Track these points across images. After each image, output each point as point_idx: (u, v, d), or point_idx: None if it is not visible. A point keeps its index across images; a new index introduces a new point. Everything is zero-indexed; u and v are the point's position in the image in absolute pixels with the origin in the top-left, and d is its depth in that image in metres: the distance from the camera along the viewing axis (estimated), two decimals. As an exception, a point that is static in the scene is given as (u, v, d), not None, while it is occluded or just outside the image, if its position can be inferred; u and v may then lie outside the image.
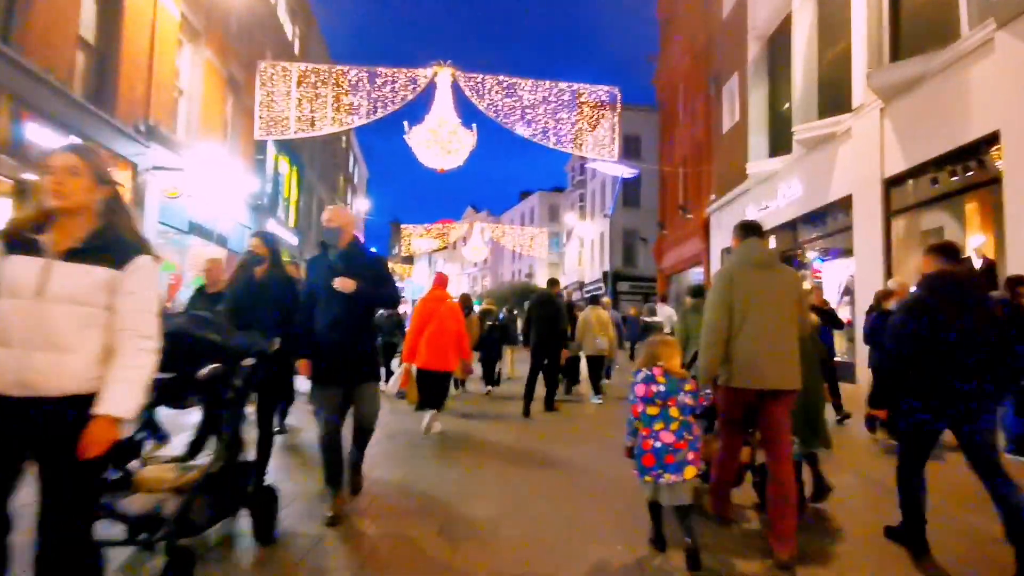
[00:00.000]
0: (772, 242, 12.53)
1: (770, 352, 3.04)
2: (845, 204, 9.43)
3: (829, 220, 10.17)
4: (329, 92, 14.88)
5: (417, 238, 38.57)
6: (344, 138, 35.30)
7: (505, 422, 6.88)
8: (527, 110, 15.53)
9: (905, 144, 8.20)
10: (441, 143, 15.03)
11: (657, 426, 2.97)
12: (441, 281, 6.48)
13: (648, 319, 12.21)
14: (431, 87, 15.18)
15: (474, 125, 15.30)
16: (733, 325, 3.09)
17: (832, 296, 9.67)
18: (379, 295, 3.58)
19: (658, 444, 2.94)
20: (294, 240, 22.04)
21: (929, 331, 2.94)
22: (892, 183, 8.47)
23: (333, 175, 31.66)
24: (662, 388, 2.99)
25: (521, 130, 15.49)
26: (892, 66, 8.32)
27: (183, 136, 12.98)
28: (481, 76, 15.49)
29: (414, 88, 15.12)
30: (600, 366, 8.69)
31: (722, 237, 15.80)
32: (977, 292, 3.06)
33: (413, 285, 65.01)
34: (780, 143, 12.12)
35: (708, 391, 3.14)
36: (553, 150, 15.48)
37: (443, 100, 15.25)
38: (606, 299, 10.83)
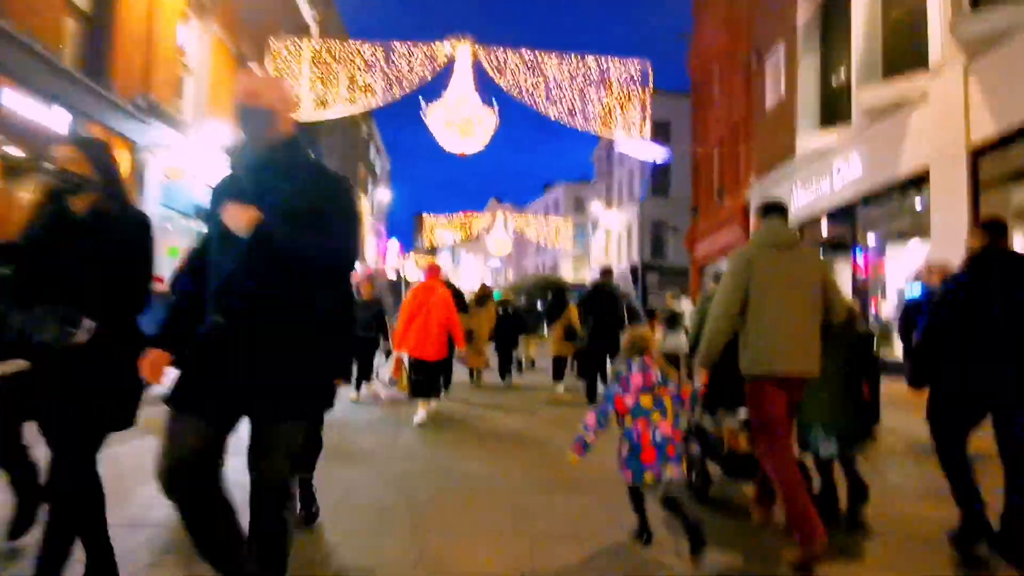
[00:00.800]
0: (824, 226, 11.35)
1: (790, 335, 2.87)
2: (919, 179, 8.25)
3: (897, 199, 8.97)
4: (343, 71, 14.08)
5: (439, 228, 37.87)
6: (364, 127, 34.71)
7: (520, 414, 6.69)
8: (552, 88, 14.52)
9: (995, 106, 7.00)
10: (462, 125, 14.16)
11: (655, 416, 2.82)
12: (433, 271, 6.48)
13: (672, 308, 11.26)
14: (450, 64, 14.29)
15: (494, 103, 14.41)
16: (750, 309, 2.90)
17: (899, 287, 8.47)
18: (304, 246, 1.84)
19: (659, 436, 2.79)
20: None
21: (967, 306, 2.86)
22: (980, 153, 7.28)
23: (353, 164, 31.09)
24: (659, 376, 2.90)
25: (547, 109, 14.50)
26: (978, 14, 7.12)
27: (190, 115, 12.33)
28: (503, 50, 14.52)
29: (432, 66, 14.23)
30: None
31: (764, 223, 14.60)
32: None
33: (436, 278, 64.39)
34: (834, 116, 10.90)
35: (699, 384, 3.11)
36: (578, 138, 14.79)
37: (463, 78, 14.35)
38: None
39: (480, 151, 14.51)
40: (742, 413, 3.30)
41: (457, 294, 8.29)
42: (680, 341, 8.40)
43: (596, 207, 39.56)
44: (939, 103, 7.88)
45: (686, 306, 11.83)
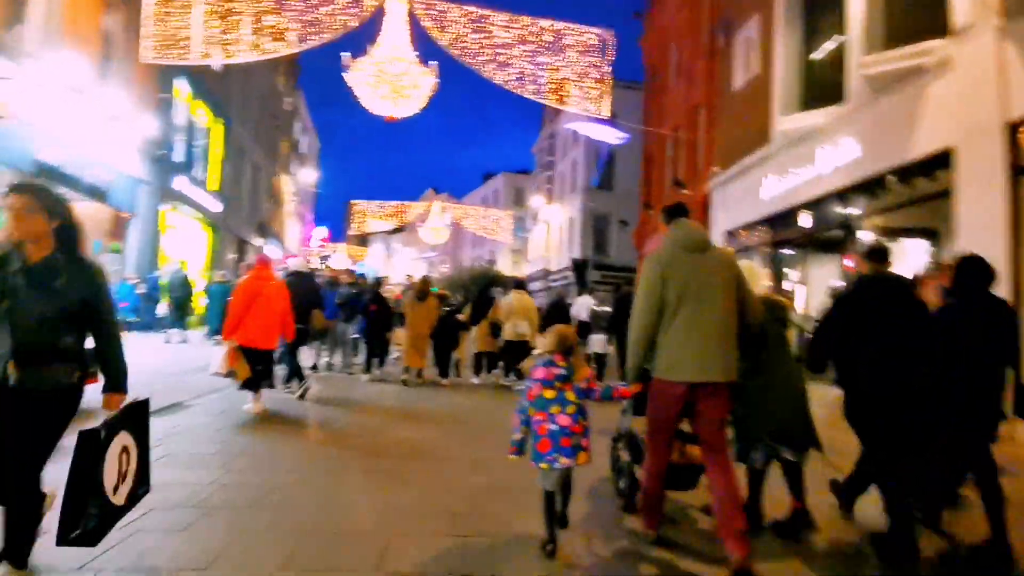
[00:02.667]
0: (808, 220, 10.06)
1: (702, 341, 2.83)
2: (937, 162, 6.96)
3: (904, 187, 7.68)
4: (247, 8, 11.52)
5: (371, 217, 35.05)
6: (290, 99, 31.39)
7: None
8: (500, 50, 12.59)
9: (1039, 74, 5.74)
10: (393, 83, 11.95)
11: (554, 409, 2.86)
12: (264, 262, 6.53)
13: (599, 308, 10.69)
14: (379, 12, 12.05)
15: (433, 65, 12.31)
16: (666, 315, 2.87)
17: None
18: None
19: (554, 427, 2.83)
20: (215, 206, 18.45)
21: (854, 325, 3.08)
22: (1019, 127, 6.01)
23: (273, 138, 27.84)
24: (562, 371, 2.91)
25: (492, 74, 12.56)
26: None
27: (30, 42, 9.45)
28: (445, 5, 12.44)
29: (358, 12, 11.95)
30: (522, 351, 8.52)
31: (728, 216, 13.33)
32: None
33: (367, 269, 61.31)
34: (820, 95, 9.61)
35: (622, 384, 3.14)
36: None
37: (395, 30, 12.15)
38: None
39: (412, 115, 12.35)
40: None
41: (424, 286, 8.90)
42: (601, 340, 9.35)
43: (536, 201, 38.03)
44: (967, 71, 6.59)
45: (582, 302, 11.65)
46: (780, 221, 11.04)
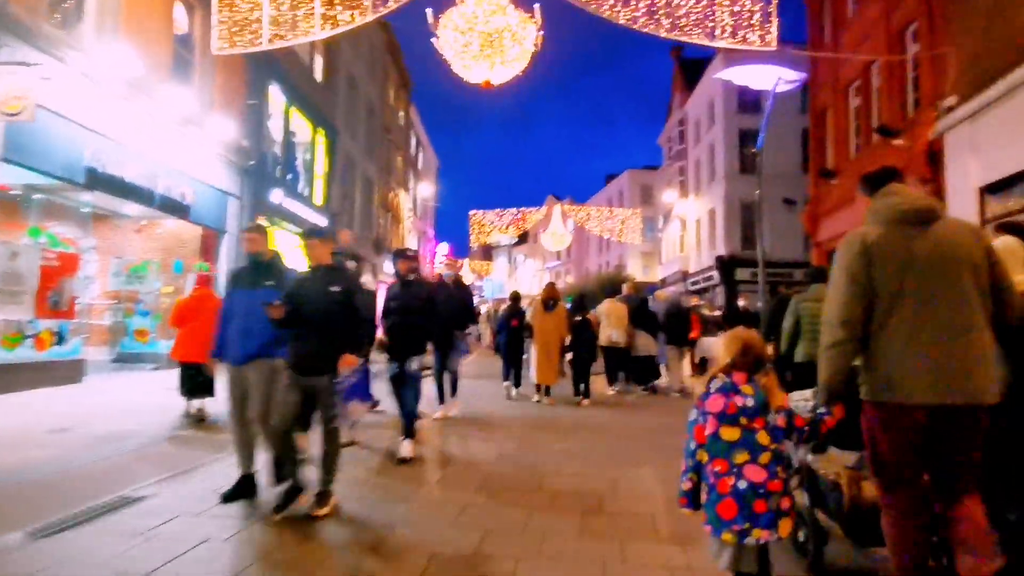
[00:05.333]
0: None
1: (938, 346, 2.03)
2: None
3: None
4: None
5: (491, 228, 33.41)
6: (402, 113, 30.87)
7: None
8: (622, -19, 9.61)
9: None
10: (485, 40, 9.51)
11: (739, 456, 2.06)
12: (204, 280, 6.73)
13: (709, 313, 10.53)
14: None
15: (536, 8, 9.68)
16: (877, 312, 2.11)
17: None
18: None
19: (742, 484, 2.03)
20: (321, 222, 17.39)
21: None
22: None
23: (387, 153, 27.15)
24: (749, 401, 2.10)
25: (614, 13, 9.62)
26: None
27: (81, 35, 8.32)
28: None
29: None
30: (616, 357, 8.90)
31: (976, 169, 9.02)
32: None
33: (492, 283, 60.63)
34: None
35: (821, 410, 2.21)
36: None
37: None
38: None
39: (514, 79, 9.79)
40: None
41: (551, 294, 8.42)
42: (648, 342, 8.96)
43: (668, 195, 33.94)
44: None
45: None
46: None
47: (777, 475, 2.06)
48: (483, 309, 16.05)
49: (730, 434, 2.09)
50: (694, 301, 13.92)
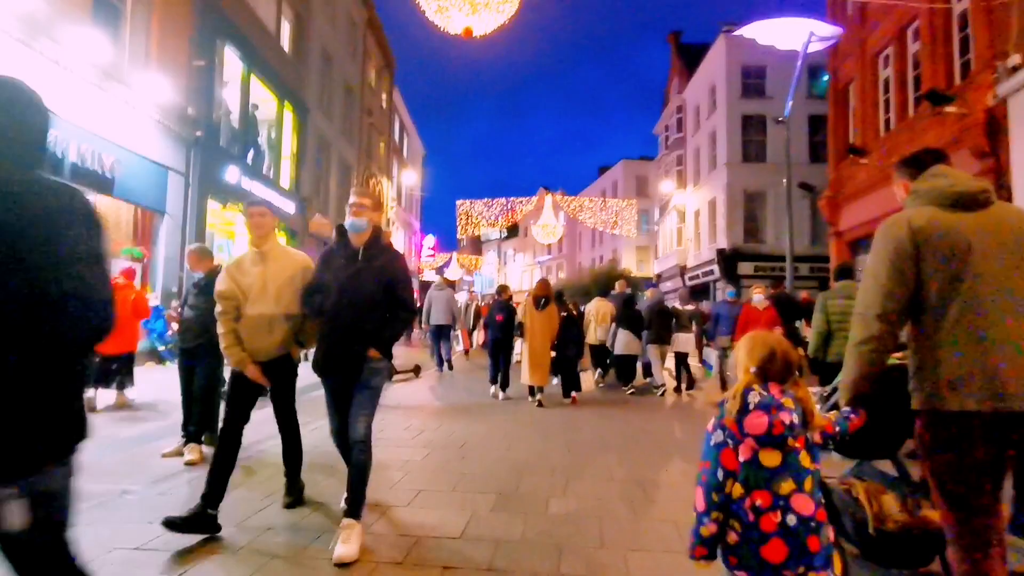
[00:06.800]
0: None
1: (996, 345, 1.76)
2: None
3: None
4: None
5: (478, 218, 31.77)
6: (385, 96, 29.08)
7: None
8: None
9: None
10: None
11: (784, 486, 1.67)
12: (128, 274, 6.81)
13: (683, 307, 9.76)
14: None
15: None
16: (927, 304, 1.86)
17: None
18: None
19: (792, 519, 1.64)
20: (287, 207, 15.69)
21: None
22: None
23: (368, 137, 25.38)
24: (795, 418, 1.73)
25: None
26: None
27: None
28: None
29: None
30: (603, 353, 9.43)
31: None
32: None
33: (483, 278, 58.97)
34: None
35: (848, 412, 1.96)
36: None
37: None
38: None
39: (497, 30, 8.20)
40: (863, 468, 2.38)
41: (543, 291, 7.81)
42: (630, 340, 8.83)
43: (665, 186, 32.48)
44: None
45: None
46: None
47: (821, 503, 1.71)
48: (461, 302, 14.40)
49: (771, 459, 1.71)
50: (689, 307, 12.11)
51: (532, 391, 7.69)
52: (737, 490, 1.72)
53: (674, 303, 10.45)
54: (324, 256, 3.12)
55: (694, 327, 9.39)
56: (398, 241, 34.39)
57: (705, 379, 7.43)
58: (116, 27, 9.19)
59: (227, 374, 5.36)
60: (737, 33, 9.00)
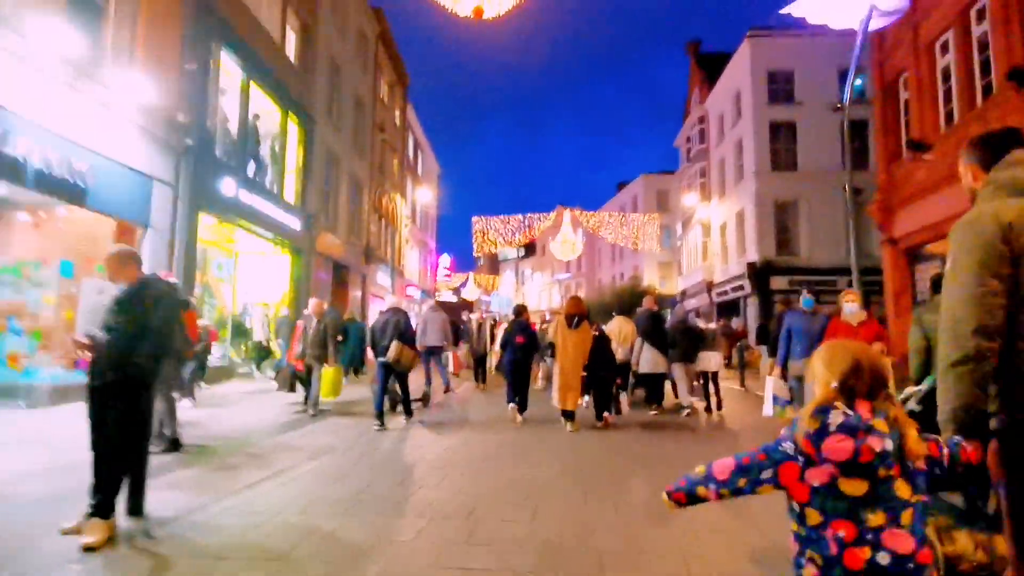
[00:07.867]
0: None
1: None
2: None
3: None
4: None
5: (495, 236, 30.82)
6: (398, 112, 28.48)
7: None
8: None
9: None
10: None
11: (873, 518, 1.43)
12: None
13: (705, 325, 9.38)
14: None
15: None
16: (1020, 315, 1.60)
17: None
18: None
19: (883, 557, 1.40)
20: (292, 223, 14.80)
21: None
22: None
23: (381, 154, 24.65)
24: (888, 443, 1.44)
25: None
26: None
27: None
28: None
29: None
30: (626, 373, 8.84)
31: None
32: None
33: (500, 298, 57.92)
34: None
35: (957, 439, 1.60)
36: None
37: None
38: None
39: (508, 12, 7.21)
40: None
41: (574, 308, 7.51)
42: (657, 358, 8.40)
43: (689, 199, 31.22)
44: None
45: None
46: None
47: (925, 539, 1.44)
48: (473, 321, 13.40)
49: (854, 487, 1.44)
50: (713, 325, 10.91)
51: (565, 416, 7.26)
52: (814, 517, 1.47)
53: (697, 321, 9.88)
54: None
55: (723, 343, 8.81)
56: (412, 260, 33.56)
57: (778, 418, 5.96)
58: (95, 21, 8.40)
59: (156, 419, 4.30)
60: (785, 11, 7.98)
